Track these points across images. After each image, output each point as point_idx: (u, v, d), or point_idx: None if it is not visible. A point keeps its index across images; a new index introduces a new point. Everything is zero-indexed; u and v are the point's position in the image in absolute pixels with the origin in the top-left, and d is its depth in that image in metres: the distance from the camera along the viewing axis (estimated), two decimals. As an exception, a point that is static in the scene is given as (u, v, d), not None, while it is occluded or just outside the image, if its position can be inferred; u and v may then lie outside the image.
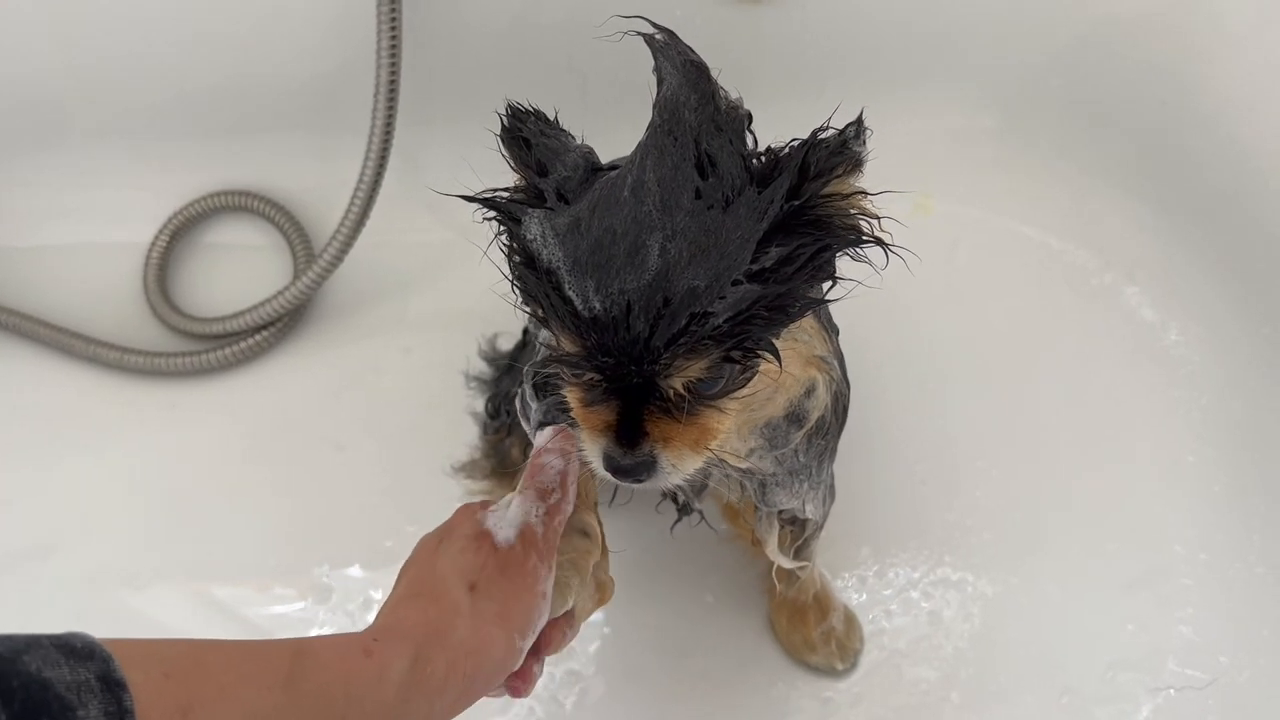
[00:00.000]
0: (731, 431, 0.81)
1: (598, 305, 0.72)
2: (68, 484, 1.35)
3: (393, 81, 1.31)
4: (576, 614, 0.89)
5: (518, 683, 0.86)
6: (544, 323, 0.77)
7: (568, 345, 0.75)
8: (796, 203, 0.72)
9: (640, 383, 0.73)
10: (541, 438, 0.89)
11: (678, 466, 0.78)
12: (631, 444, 0.76)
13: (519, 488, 0.87)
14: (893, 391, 1.32)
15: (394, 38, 1.30)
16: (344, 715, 0.74)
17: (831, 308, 0.93)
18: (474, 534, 0.85)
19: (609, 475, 0.79)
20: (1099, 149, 1.42)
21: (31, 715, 0.59)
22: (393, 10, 1.29)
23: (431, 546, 0.87)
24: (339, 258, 1.37)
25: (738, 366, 0.75)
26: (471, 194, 0.79)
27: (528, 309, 0.80)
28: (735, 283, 0.71)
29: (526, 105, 0.80)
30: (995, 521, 1.27)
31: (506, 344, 1.29)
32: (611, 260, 0.72)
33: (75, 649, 0.63)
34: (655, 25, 0.76)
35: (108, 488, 1.35)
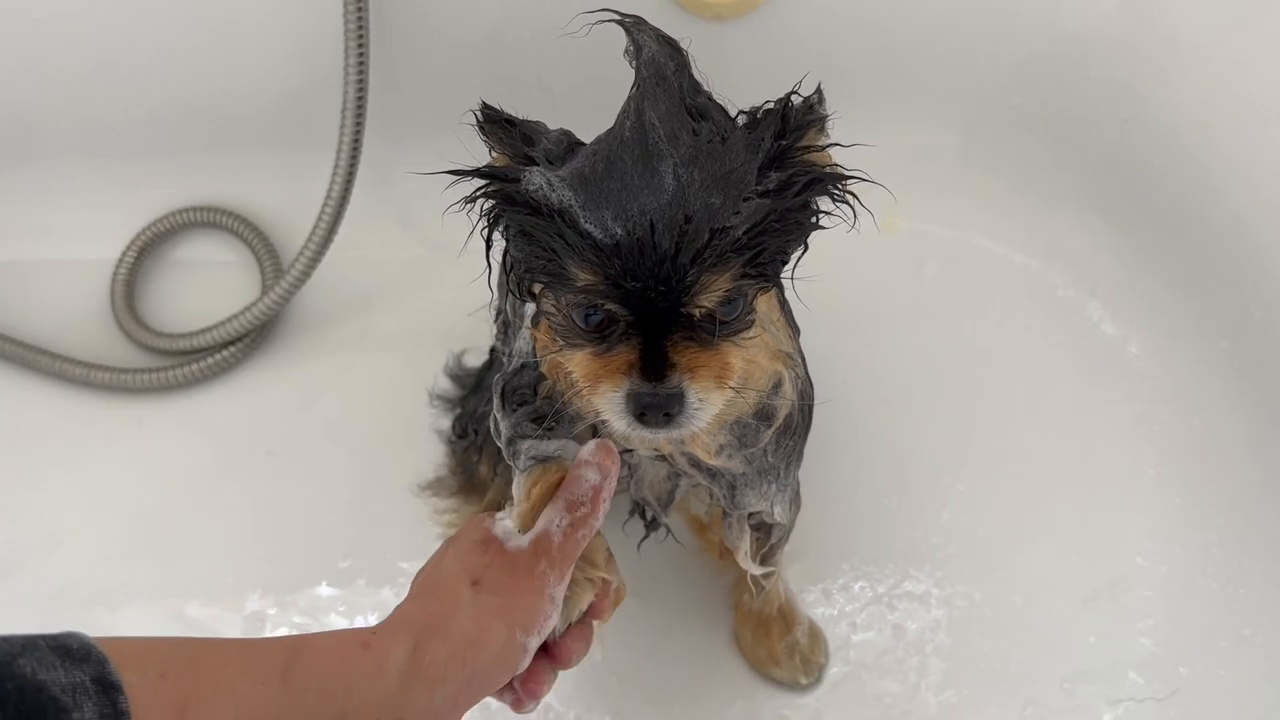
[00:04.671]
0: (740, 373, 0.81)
1: (619, 231, 0.73)
2: (33, 501, 1.34)
3: (360, 98, 1.32)
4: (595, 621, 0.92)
5: (531, 687, 0.87)
6: (550, 275, 0.77)
7: (587, 279, 0.75)
8: (784, 142, 0.77)
9: (665, 307, 0.74)
10: (585, 451, 0.89)
11: (704, 402, 0.77)
12: (659, 376, 0.75)
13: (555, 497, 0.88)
14: (859, 407, 1.33)
15: (361, 55, 1.31)
16: (343, 707, 0.75)
17: (798, 316, 0.95)
18: (481, 538, 0.87)
19: (633, 425, 0.77)
20: (1060, 165, 1.44)
21: (27, 718, 0.59)
22: (360, 28, 1.30)
23: (440, 550, 0.89)
24: (306, 273, 1.37)
25: (749, 296, 0.77)
26: (462, 168, 0.79)
27: (527, 273, 0.80)
28: (746, 199, 0.74)
29: (497, 106, 0.82)
30: (960, 535, 1.28)
31: (474, 360, 1.30)
32: (627, 188, 0.74)
33: (71, 650, 0.64)
34: (622, 14, 0.80)
35: (74, 505, 1.34)
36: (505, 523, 0.89)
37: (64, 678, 0.62)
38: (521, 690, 0.88)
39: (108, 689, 0.63)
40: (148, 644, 0.71)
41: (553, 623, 0.86)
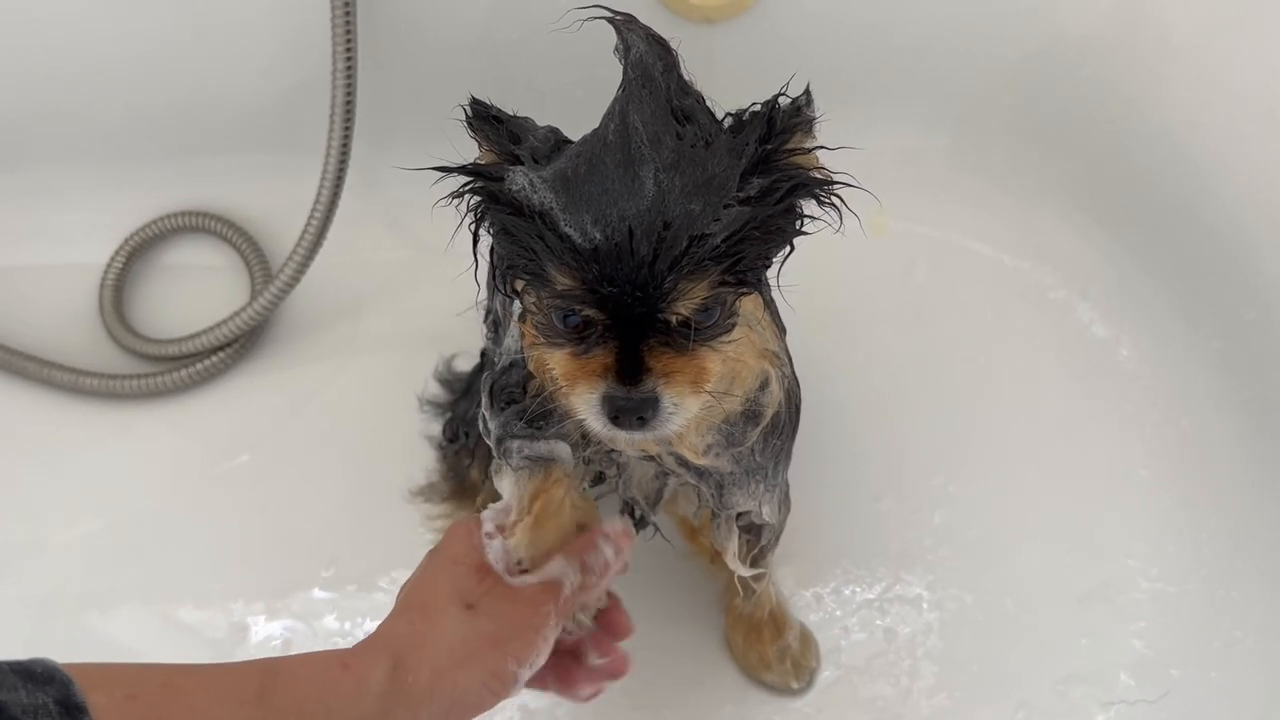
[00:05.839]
0: (719, 376, 0.81)
1: (598, 235, 0.73)
2: (22, 507, 1.34)
3: (349, 101, 1.31)
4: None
5: (616, 667, 0.95)
6: (530, 275, 0.77)
7: (565, 282, 0.75)
8: (768, 146, 0.76)
9: (642, 313, 0.74)
10: (609, 524, 0.93)
11: (679, 407, 0.77)
12: (634, 380, 0.76)
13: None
14: (849, 409, 1.33)
15: (349, 58, 1.30)
16: None
17: (785, 318, 0.94)
18: (477, 564, 0.89)
19: (608, 426, 0.78)
20: (1050, 166, 1.43)
21: None
22: (348, 30, 1.29)
23: (428, 566, 0.90)
24: (296, 278, 1.36)
25: (728, 302, 0.77)
26: (448, 165, 0.80)
27: (510, 271, 0.80)
28: (726, 206, 0.74)
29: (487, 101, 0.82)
30: (951, 538, 1.28)
31: (465, 365, 1.30)
32: (607, 192, 0.73)
33: (34, 674, 0.63)
34: (613, 11, 0.79)
35: (63, 510, 1.34)
36: (496, 545, 0.90)
37: (25, 698, 0.61)
38: (609, 675, 0.94)
39: (71, 709, 0.62)
40: (118, 668, 0.71)
41: (542, 660, 0.88)
